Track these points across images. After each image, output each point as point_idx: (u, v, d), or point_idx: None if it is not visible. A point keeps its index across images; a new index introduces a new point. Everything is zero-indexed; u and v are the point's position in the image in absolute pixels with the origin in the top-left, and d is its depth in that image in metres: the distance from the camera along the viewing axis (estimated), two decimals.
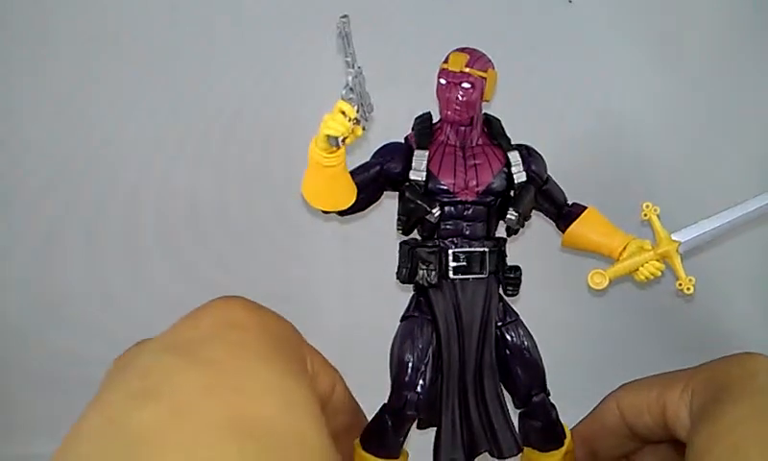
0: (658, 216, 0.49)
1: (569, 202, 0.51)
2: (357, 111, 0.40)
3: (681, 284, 0.48)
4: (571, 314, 0.76)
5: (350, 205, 0.46)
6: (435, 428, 0.48)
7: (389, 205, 0.50)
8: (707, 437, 0.37)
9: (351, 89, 0.40)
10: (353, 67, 0.40)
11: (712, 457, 0.36)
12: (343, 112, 0.40)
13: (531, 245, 0.57)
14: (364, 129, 0.42)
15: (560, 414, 0.49)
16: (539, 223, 0.52)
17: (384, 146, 0.48)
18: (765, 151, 0.75)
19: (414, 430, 0.48)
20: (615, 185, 0.71)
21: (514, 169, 0.48)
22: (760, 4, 0.73)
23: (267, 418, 0.30)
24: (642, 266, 0.48)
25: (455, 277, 0.47)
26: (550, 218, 0.51)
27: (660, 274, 0.48)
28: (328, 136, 0.40)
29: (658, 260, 0.48)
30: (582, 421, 0.50)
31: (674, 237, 0.48)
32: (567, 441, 0.49)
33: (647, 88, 0.74)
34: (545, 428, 0.49)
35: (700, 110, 0.74)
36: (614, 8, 0.72)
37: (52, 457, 0.28)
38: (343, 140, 0.41)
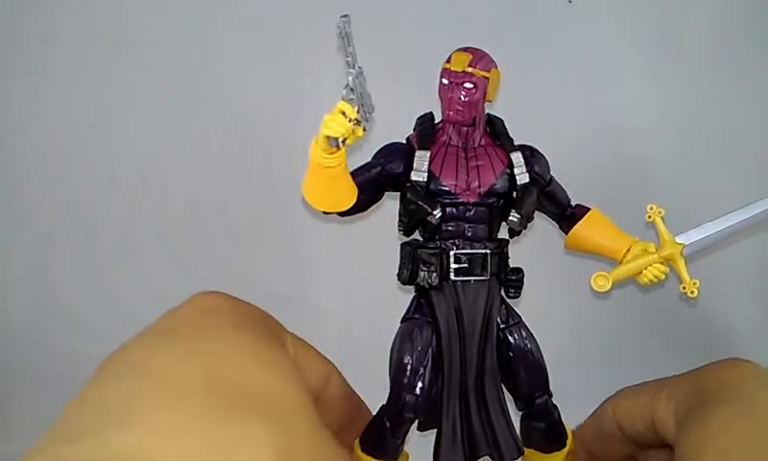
0: (662, 218, 0.48)
1: (572, 203, 0.50)
2: (358, 112, 0.40)
3: (685, 288, 0.47)
4: (573, 315, 0.76)
5: (351, 205, 0.45)
6: (436, 431, 0.48)
7: (390, 205, 0.49)
8: (695, 440, 0.37)
9: (352, 90, 0.39)
10: (354, 67, 0.39)
11: (703, 459, 0.36)
12: (343, 113, 0.39)
13: (533, 246, 0.57)
14: (364, 129, 0.41)
15: (562, 414, 0.49)
16: (541, 224, 0.51)
17: (385, 146, 0.48)
18: (765, 150, 0.75)
19: (414, 431, 0.48)
20: (615, 185, 0.71)
21: (516, 170, 0.47)
22: (760, 4, 0.73)
23: (248, 380, 0.32)
24: (646, 269, 0.47)
25: (456, 279, 0.46)
26: (553, 219, 0.51)
27: (663, 277, 0.48)
28: (328, 137, 0.40)
29: (662, 263, 0.47)
30: (582, 424, 0.50)
31: (678, 240, 0.48)
32: (569, 441, 0.49)
33: (647, 88, 0.74)
34: (548, 429, 0.49)
35: (700, 110, 0.74)
36: (614, 8, 0.72)
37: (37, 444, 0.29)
38: (343, 141, 0.40)
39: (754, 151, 0.75)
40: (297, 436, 0.30)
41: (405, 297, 0.49)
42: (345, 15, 0.38)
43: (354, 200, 0.45)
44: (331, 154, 0.41)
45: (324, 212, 0.46)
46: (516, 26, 0.70)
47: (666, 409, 0.42)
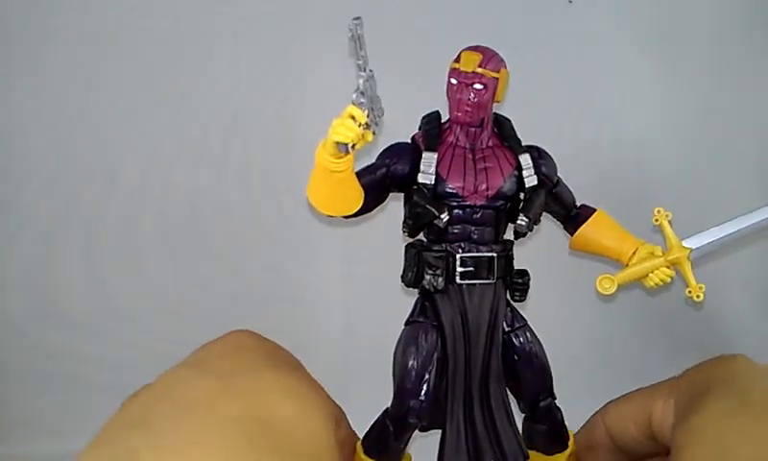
0: (669, 222, 0.48)
1: (578, 204, 0.50)
2: (368, 116, 0.39)
3: (691, 292, 0.47)
4: (578, 317, 0.76)
5: (357, 209, 0.45)
6: (438, 432, 0.48)
7: (392, 204, 0.49)
8: (688, 430, 0.38)
9: (362, 93, 0.39)
10: (365, 71, 0.38)
11: (696, 448, 0.36)
12: (353, 117, 0.38)
13: (538, 247, 0.57)
14: (374, 134, 0.40)
15: (566, 416, 0.49)
16: (546, 225, 0.51)
17: (390, 147, 0.47)
18: (764, 150, 0.75)
19: (417, 433, 0.48)
20: (613, 186, 0.71)
21: (525, 173, 0.46)
22: (760, 4, 0.73)
23: (280, 415, 0.32)
24: (652, 272, 0.47)
25: (462, 282, 0.46)
26: (558, 220, 0.50)
27: (670, 280, 0.47)
28: (338, 143, 0.39)
29: (668, 267, 0.47)
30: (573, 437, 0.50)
31: (685, 244, 0.48)
32: (571, 443, 0.50)
33: (647, 88, 0.74)
34: (551, 432, 0.49)
35: (699, 110, 0.74)
36: (614, 8, 0.72)
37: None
38: (352, 146, 0.39)
39: (754, 151, 0.75)
40: None
41: (408, 298, 0.49)
42: (357, 18, 0.37)
43: (361, 203, 0.45)
44: (339, 158, 0.40)
45: (330, 216, 0.45)
46: (516, 26, 0.70)
47: (665, 410, 0.42)
